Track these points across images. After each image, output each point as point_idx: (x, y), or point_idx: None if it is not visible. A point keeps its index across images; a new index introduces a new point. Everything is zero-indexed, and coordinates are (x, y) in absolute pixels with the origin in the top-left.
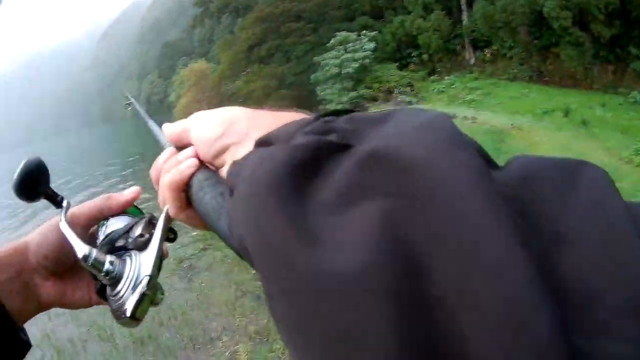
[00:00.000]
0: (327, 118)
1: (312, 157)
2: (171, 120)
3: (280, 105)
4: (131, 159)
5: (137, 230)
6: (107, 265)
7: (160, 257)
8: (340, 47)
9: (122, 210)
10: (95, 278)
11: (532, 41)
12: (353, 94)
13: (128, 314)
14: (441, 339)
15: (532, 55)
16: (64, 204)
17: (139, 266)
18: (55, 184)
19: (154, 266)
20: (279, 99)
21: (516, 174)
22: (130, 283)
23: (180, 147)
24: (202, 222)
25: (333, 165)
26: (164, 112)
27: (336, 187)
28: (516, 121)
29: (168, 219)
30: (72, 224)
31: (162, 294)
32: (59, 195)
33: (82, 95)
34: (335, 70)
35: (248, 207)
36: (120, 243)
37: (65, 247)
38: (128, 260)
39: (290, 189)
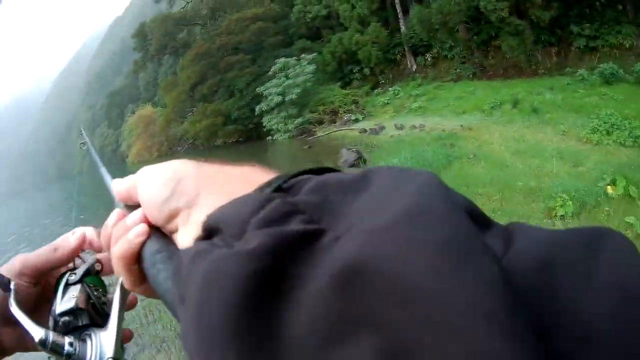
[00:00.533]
0: (288, 183)
1: (274, 267)
2: (125, 172)
3: (230, 141)
4: (98, 212)
5: (93, 301)
6: (67, 348)
7: (120, 334)
8: (281, 74)
9: (72, 258)
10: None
11: (471, 38)
12: (299, 120)
13: None
14: None
15: (473, 52)
16: (12, 285)
17: (100, 347)
18: (11, 252)
19: (115, 346)
20: (226, 136)
21: (529, 258)
22: None
23: (130, 206)
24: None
25: (304, 271)
26: (117, 162)
27: (312, 319)
28: (465, 121)
29: (124, 292)
30: (22, 276)
31: None
32: (5, 277)
33: (36, 154)
34: (278, 98)
35: (200, 353)
36: (77, 322)
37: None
38: (88, 340)
39: (252, 326)
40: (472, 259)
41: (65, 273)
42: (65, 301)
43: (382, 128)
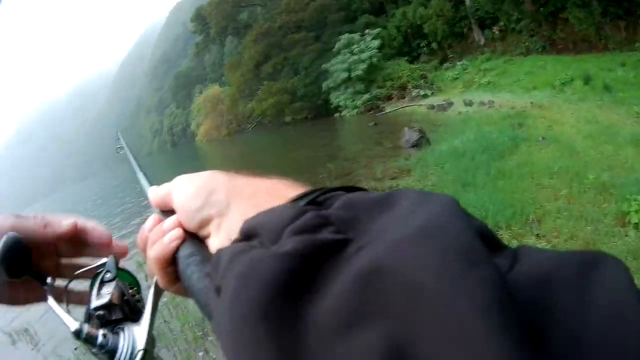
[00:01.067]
0: (320, 198)
1: (306, 267)
2: (195, 150)
3: (298, 117)
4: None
5: (124, 298)
6: (100, 339)
7: (153, 328)
8: (346, 50)
9: (57, 242)
10: (90, 352)
11: (538, 9)
12: (366, 96)
13: None
14: None
15: (541, 24)
16: (48, 280)
17: (133, 340)
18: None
19: (147, 339)
20: (294, 113)
21: (531, 275)
22: (125, 357)
23: (165, 212)
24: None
25: (330, 273)
26: (188, 141)
27: (334, 309)
28: (535, 98)
29: (158, 291)
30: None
31: None
32: (42, 272)
33: (105, 136)
34: (344, 75)
35: (234, 331)
36: (111, 316)
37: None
38: (121, 333)
39: (282, 310)
40: (477, 267)
41: (100, 272)
42: (101, 297)
43: (451, 104)
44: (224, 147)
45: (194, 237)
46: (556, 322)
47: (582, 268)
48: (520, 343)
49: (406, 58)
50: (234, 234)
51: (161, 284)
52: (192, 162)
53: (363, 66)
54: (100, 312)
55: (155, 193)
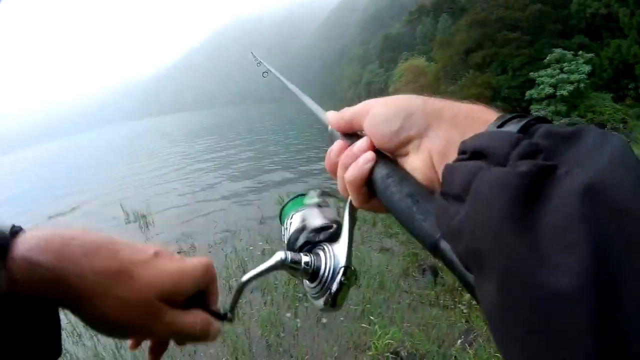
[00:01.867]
0: (523, 122)
1: (536, 184)
2: None
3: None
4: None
5: (317, 221)
6: (304, 263)
7: (352, 246)
8: (557, 65)
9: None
10: (294, 275)
11: None
12: (564, 120)
13: (330, 303)
14: (631, 344)
15: None
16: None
17: (334, 258)
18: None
19: (347, 256)
20: None
21: None
22: (328, 275)
23: (348, 135)
24: (386, 209)
25: (550, 190)
26: None
27: (559, 214)
28: None
29: (353, 209)
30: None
31: (357, 278)
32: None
33: (305, 71)
34: (549, 90)
35: (492, 226)
36: (307, 239)
37: None
38: (322, 254)
39: (525, 213)
40: None
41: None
42: (294, 222)
43: None
44: None
45: (384, 157)
46: None
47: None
48: None
49: (612, 95)
50: (438, 153)
51: (356, 203)
52: None
53: (570, 88)
54: (298, 237)
55: (339, 117)
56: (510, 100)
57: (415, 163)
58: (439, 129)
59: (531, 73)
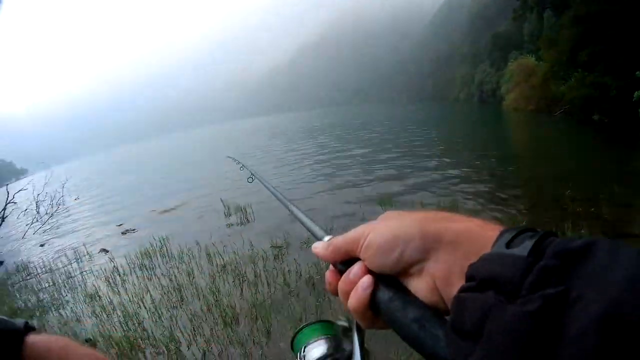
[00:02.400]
0: (533, 241)
1: (549, 320)
2: (498, 114)
3: (605, 119)
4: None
5: (332, 348)
6: None
7: None
8: None
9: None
10: None
11: None
12: None
13: None
14: None
15: None
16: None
17: None
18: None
19: None
20: (604, 113)
21: None
22: None
23: (344, 261)
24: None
25: (565, 321)
26: (497, 101)
27: (575, 349)
28: None
29: (361, 330)
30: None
31: None
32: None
33: (415, 72)
34: None
35: None
36: None
37: None
38: None
39: (539, 355)
40: None
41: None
42: (312, 350)
43: None
44: (528, 123)
45: (384, 279)
46: None
47: None
48: None
49: None
50: (441, 278)
51: (363, 325)
52: (496, 128)
53: None
54: None
55: (335, 246)
56: (619, 102)
57: (418, 285)
58: (440, 253)
59: (637, 72)
